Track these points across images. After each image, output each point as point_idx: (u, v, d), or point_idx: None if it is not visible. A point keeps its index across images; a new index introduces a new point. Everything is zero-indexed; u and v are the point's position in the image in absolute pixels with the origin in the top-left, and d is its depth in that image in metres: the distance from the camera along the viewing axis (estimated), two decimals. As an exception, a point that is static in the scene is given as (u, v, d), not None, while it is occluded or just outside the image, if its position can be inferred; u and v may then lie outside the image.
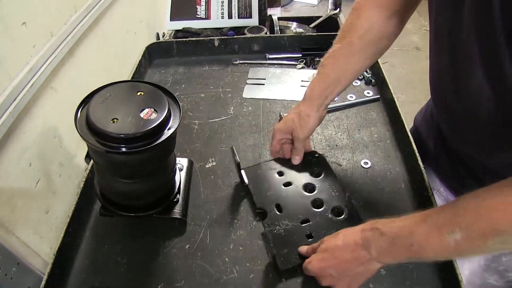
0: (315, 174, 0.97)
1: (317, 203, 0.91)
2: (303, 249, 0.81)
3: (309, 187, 0.95)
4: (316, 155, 1.02)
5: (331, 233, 0.80)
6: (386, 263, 0.70)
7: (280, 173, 0.99)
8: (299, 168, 0.99)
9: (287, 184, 0.96)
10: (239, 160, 0.92)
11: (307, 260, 0.77)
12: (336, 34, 1.40)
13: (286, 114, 0.99)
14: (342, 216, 0.87)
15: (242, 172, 0.98)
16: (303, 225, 0.87)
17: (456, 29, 0.69)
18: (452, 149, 0.93)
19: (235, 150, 0.93)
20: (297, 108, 0.96)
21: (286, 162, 1.01)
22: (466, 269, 1.02)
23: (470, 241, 0.59)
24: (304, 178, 0.97)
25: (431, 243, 0.62)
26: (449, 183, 1.00)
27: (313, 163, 1.00)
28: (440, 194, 1.04)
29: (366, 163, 1.03)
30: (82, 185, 0.94)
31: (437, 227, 0.62)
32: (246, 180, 0.98)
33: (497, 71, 0.64)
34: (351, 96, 1.26)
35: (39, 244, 0.96)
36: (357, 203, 0.93)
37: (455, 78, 0.77)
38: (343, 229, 0.76)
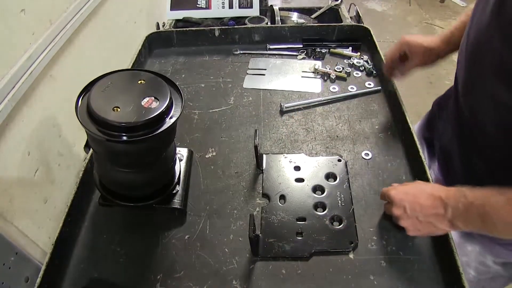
0: (330, 179, 0.97)
1: (319, 206, 0.91)
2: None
3: (318, 189, 0.94)
4: (339, 160, 1.01)
5: (322, 237, 0.83)
6: (456, 227, 0.74)
7: (297, 168, 0.99)
8: (316, 168, 0.99)
9: (299, 180, 0.96)
10: (257, 143, 0.92)
11: (390, 188, 0.84)
12: (337, 25, 1.41)
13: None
14: (339, 226, 0.87)
15: (264, 156, 1.02)
16: (298, 222, 0.87)
17: (482, 15, 0.76)
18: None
19: (257, 133, 0.93)
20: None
21: (306, 160, 1.01)
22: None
23: None
24: (317, 179, 0.96)
25: (502, 216, 0.67)
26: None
27: (333, 167, 0.99)
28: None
29: (367, 154, 1.03)
30: (81, 175, 0.93)
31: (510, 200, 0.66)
32: (264, 165, 1.00)
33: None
34: (352, 87, 1.25)
35: (38, 234, 0.95)
36: (358, 195, 0.93)
37: (475, 58, 0.82)
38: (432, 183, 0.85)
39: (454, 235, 0.96)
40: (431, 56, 1.05)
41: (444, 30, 1.06)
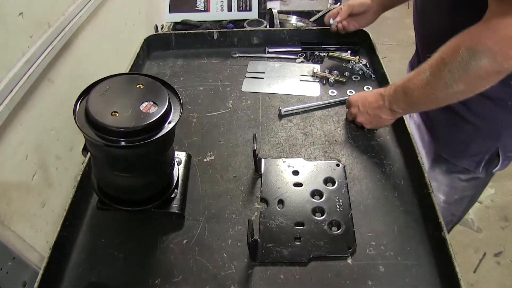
0: (328, 183, 0.96)
1: (318, 211, 0.90)
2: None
3: (316, 194, 0.94)
4: (337, 165, 1.01)
5: (320, 242, 0.83)
6: (394, 112, 0.98)
7: (295, 173, 0.99)
8: (314, 173, 0.98)
9: (297, 184, 0.96)
10: (255, 147, 0.92)
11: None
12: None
13: None
14: (337, 231, 0.86)
15: (262, 161, 1.01)
16: (296, 227, 0.87)
17: None
18: None
19: (255, 138, 0.93)
20: None
21: (305, 164, 1.01)
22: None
23: (433, 75, 0.83)
24: (316, 183, 0.96)
25: (415, 83, 0.88)
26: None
27: (331, 172, 0.99)
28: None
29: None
30: (79, 179, 0.93)
31: (419, 70, 0.87)
32: (262, 169, 1.00)
33: None
34: (350, 91, 1.25)
35: (35, 238, 0.95)
36: (357, 200, 0.93)
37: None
38: None
39: (425, 160, 1.21)
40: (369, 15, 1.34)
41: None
